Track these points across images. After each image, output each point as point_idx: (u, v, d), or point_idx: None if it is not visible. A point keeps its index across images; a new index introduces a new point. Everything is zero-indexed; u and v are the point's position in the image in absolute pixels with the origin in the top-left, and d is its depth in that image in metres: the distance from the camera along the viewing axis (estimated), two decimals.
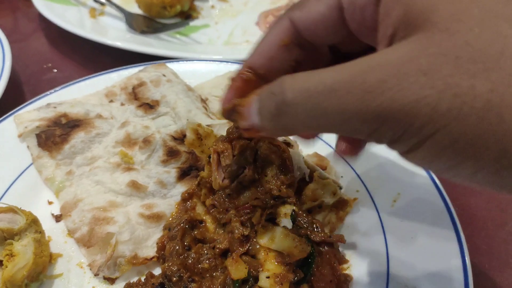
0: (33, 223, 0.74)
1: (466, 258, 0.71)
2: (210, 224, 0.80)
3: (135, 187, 0.83)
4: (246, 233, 0.73)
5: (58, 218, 0.83)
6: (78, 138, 0.90)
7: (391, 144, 0.42)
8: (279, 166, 0.74)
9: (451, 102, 0.36)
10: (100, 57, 1.32)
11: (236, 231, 0.73)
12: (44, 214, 0.82)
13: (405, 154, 0.43)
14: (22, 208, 0.76)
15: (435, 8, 0.39)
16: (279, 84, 0.44)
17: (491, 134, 0.36)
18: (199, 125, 0.79)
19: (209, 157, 0.82)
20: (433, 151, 0.39)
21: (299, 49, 0.56)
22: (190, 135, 0.79)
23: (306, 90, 0.42)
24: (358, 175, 0.89)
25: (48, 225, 0.81)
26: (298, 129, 0.47)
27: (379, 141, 0.43)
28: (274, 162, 0.74)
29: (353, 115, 0.40)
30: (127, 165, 0.87)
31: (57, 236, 0.81)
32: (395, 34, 0.42)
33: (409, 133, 0.38)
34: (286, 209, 0.74)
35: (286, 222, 0.75)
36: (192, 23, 1.45)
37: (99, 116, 0.95)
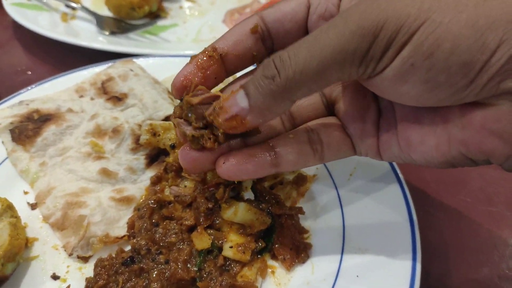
0: (9, 208, 0.79)
1: (414, 219, 0.77)
2: (178, 204, 0.85)
3: (106, 174, 0.88)
4: (210, 206, 0.78)
5: (33, 206, 0.87)
6: (49, 131, 0.94)
7: (376, 64, 0.48)
8: None
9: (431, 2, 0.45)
10: (72, 59, 1.37)
11: (201, 206, 0.78)
12: (20, 204, 0.86)
13: (384, 70, 0.49)
14: None
15: None
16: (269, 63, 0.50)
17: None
18: (152, 124, 0.86)
19: (171, 145, 0.88)
20: (413, 48, 0.46)
21: (262, 44, 0.64)
22: (143, 137, 0.89)
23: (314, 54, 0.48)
24: None
25: (24, 214, 0.85)
26: (295, 92, 0.50)
27: (369, 61, 0.48)
28: None
29: (352, 34, 0.46)
30: (98, 154, 0.91)
31: (33, 222, 0.85)
32: None
33: (400, 33, 0.45)
34: (247, 183, 0.80)
35: (248, 194, 0.81)
36: (161, 23, 1.51)
37: (70, 110, 0.99)
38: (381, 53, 0.47)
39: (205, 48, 0.62)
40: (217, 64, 0.62)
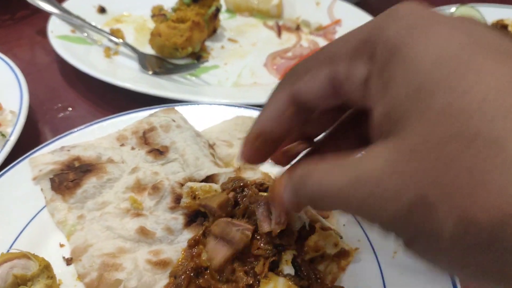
0: (46, 269, 0.77)
1: None
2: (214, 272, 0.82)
3: (144, 234, 0.87)
4: (250, 282, 0.75)
5: (69, 262, 0.86)
6: (90, 183, 0.93)
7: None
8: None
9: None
10: (113, 96, 1.37)
11: (240, 281, 0.76)
12: (55, 257, 0.85)
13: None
14: (35, 254, 0.79)
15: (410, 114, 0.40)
16: (305, 175, 0.52)
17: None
18: (192, 188, 0.85)
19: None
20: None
21: (305, 111, 0.59)
22: (184, 200, 0.88)
23: (321, 186, 0.49)
24: (360, 224, 0.91)
25: (59, 268, 0.83)
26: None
27: None
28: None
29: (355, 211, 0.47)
30: (136, 210, 0.90)
31: (67, 279, 0.84)
32: (380, 125, 0.45)
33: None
34: (287, 256, 0.77)
35: (288, 269, 0.78)
36: (202, 65, 1.50)
37: (111, 161, 0.99)
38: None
39: (250, 132, 0.63)
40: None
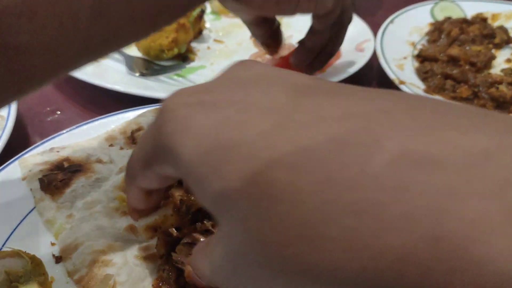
0: (37, 266, 0.79)
1: None
2: None
3: (133, 231, 0.89)
4: None
5: (58, 260, 0.88)
6: (79, 183, 0.95)
7: None
8: None
9: None
10: (101, 99, 1.39)
11: None
12: (47, 255, 0.87)
13: None
14: (26, 251, 0.81)
15: None
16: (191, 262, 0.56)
17: None
18: None
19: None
20: None
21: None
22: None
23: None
24: None
25: (51, 266, 0.85)
26: None
27: None
28: None
29: None
30: (125, 209, 0.92)
31: (59, 276, 0.85)
32: None
33: None
34: None
35: None
36: (189, 65, 1.53)
37: (99, 161, 1.01)
38: None
39: None
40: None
